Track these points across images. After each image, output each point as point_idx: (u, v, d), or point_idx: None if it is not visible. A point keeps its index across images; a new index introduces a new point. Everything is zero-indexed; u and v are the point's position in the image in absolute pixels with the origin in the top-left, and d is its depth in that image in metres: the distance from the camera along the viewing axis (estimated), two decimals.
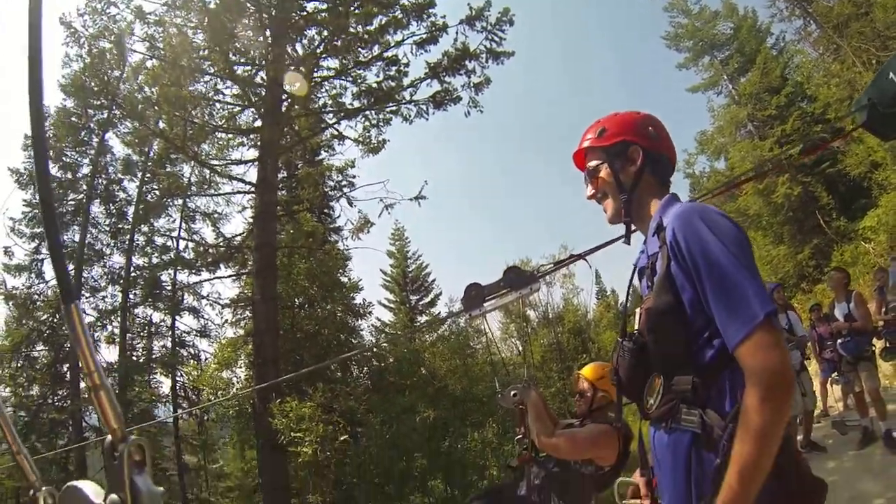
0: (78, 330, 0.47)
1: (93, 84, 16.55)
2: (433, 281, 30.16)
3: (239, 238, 16.91)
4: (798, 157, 16.40)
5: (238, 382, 14.67)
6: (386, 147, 14.90)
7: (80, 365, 0.48)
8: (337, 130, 15.56)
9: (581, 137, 2.01)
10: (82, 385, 18.29)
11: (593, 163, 1.94)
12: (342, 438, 11.86)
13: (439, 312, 28.04)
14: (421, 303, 29.58)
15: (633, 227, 1.91)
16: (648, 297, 1.67)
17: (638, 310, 1.77)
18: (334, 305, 16.38)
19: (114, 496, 0.47)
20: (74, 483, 0.54)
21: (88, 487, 0.53)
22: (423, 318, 27.67)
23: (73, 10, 17.15)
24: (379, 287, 30.28)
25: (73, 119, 20.27)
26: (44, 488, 0.58)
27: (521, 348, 18.76)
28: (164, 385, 19.76)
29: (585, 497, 3.85)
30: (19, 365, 18.62)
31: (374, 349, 14.79)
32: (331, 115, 15.20)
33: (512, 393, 3.22)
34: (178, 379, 19.33)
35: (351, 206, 15.49)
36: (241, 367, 15.11)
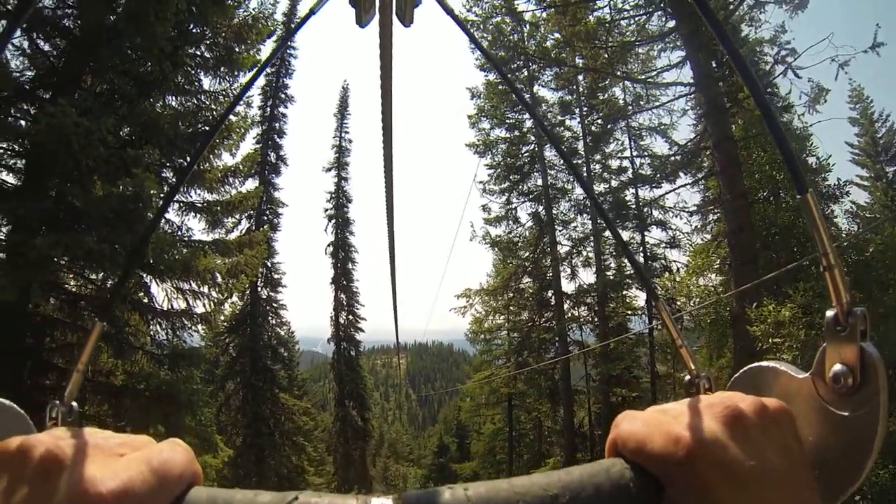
0: (815, 216, 0.52)
1: (501, 53, 18.56)
2: None
3: (692, 143, 16.85)
4: None
5: (713, 288, 14.68)
6: None
7: (817, 241, 0.52)
8: None
9: None
10: (565, 306, 22.24)
11: None
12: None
13: None
14: None
15: None
16: None
17: None
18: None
19: (839, 366, 0.50)
20: (763, 363, 0.59)
21: (784, 366, 0.57)
22: None
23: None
24: (848, 164, 26.40)
25: (500, 87, 23.08)
26: (703, 374, 0.61)
27: None
28: (639, 298, 21.64)
29: None
30: (510, 296, 23.37)
31: (852, 240, 13.12)
32: None
33: None
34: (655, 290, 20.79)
35: (798, 77, 13.81)
36: (714, 273, 15.11)
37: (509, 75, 21.83)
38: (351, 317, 31.31)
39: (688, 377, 0.63)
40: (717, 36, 0.59)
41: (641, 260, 20.61)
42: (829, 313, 0.52)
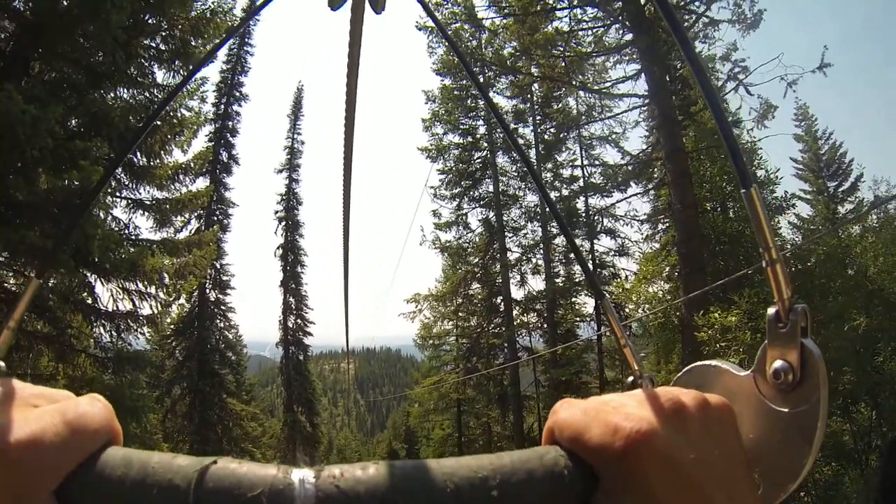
0: (758, 211, 0.53)
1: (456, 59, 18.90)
2: (850, 161, 25.59)
3: (643, 153, 17.30)
4: None
5: (662, 295, 15.08)
6: (765, 18, 13.47)
7: (757, 237, 0.53)
8: (708, 17, 14.49)
9: None
10: (514, 313, 22.50)
11: None
12: None
13: (863, 199, 24.20)
14: (840, 190, 25.55)
15: None
16: None
17: None
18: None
19: (779, 362, 0.51)
20: (707, 362, 0.59)
21: (727, 364, 0.57)
22: (845, 209, 24.28)
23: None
24: (791, 178, 27.16)
25: (455, 93, 23.55)
26: (645, 375, 0.61)
27: None
28: (588, 305, 21.92)
29: None
30: (459, 302, 23.32)
31: (794, 250, 13.70)
32: (697, 3, 14.22)
33: None
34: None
35: (750, 94, 14.43)
36: (663, 280, 15.49)
37: (467, 80, 22.40)
38: (299, 321, 30.76)
39: (630, 378, 0.63)
40: (673, 31, 0.58)
41: (591, 266, 21.00)
42: (771, 310, 0.53)
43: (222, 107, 25.97)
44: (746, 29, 13.81)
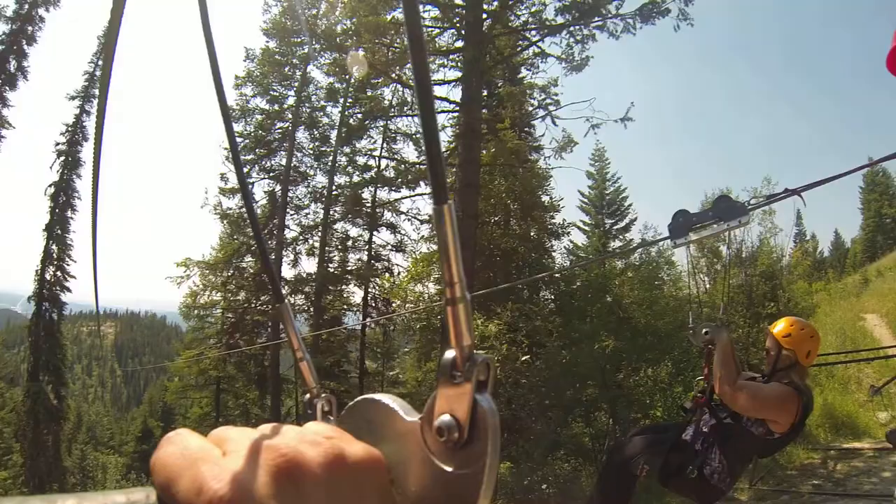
0: (448, 234, 0.42)
1: (292, 24, 17.97)
2: (629, 206, 29.23)
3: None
4: None
5: (428, 296, 15.37)
6: (591, 64, 14.51)
7: (443, 272, 0.42)
8: (539, 48, 15.31)
9: None
10: (283, 292, 21.23)
11: None
12: (523, 359, 12.03)
13: (632, 239, 27.39)
14: (615, 227, 28.94)
15: None
16: None
17: None
18: (532, 224, 16.51)
19: (446, 417, 0.44)
20: (376, 396, 0.50)
21: (395, 403, 0.49)
22: (615, 244, 27.28)
23: None
24: (575, 209, 30.04)
25: (276, 57, 22.41)
26: (323, 395, 0.57)
27: (708, 286, 17.86)
28: (356, 295, 21.82)
29: (747, 457, 3.65)
30: (230, 274, 21.90)
31: (565, 272, 14.76)
32: (533, 33, 14.91)
33: (704, 331, 3.16)
34: (370, 290, 21.22)
35: (556, 125, 15.39)
36: (432, 282, 15.80)
37: (288, 48, 21.43)
38: (59, 273, 26.72)
39: (307, 395, 0.57)
40: None
41: (365, 258, 21.27)
42: (448, 354, 0.44)
43: (25, 5, 21.65)
44: (572, 69, 14.67)
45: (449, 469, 0.43)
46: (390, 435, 0.47)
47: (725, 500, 5.86)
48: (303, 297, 22.11)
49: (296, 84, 22.65)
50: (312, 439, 0.41)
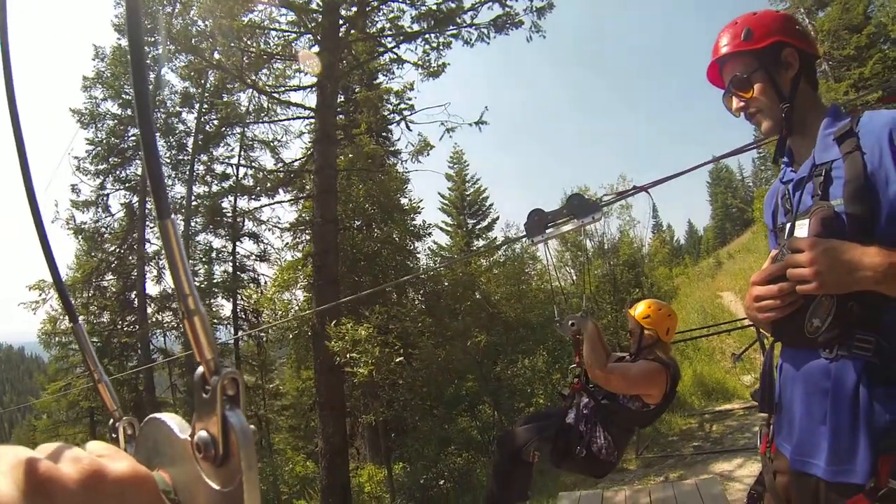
0: (174, 248, 0.44)
1: (146, 21, 16.91)
2: (490, 206, 30.03)
3: (298, 163, 17.37)
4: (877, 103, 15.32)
5: (297, 305, 15.14)
6: (447, 71, 14.67)
7: (174, 287, 0.43)
8: (395, 54, 15.40)
9: (716, 45, 1.74)
10: (149, 310, 20.12)
11: (742, 70, 1.67)
12: (397, 360, 12.07)
13: (495, 238, 27.87)
14: (478, 227, 29.61)
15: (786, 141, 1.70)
16: (820, 206, 1.46)
17: (803, 221, 1.51)
18: (393, 227, 16.59)
19: (203, 433, 0.43)
20: (158, 416, 0.49)
21: (173, 421, 0.48)
22: (479, 243, 27.82)
23: None
24: (437, 210, 30.47)
25: (128, 57, 20.51)
26: (124, 418, 0.56)
27: (574, 278, 18.72)
28: (226, 308, 20.87)
29: (629, 430, 3.99)
30: (91, 294, 20.25)
31: (431, 273, 14.96)
32: (389, 39, 15.03)
33: (570, 322, 3.29)
34: (238, 302, 20.44)
35: (409, 129, 15.57)
36: (300, 290, 15.56)
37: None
38: None
39: (111, 420, 0.55)
40: None
41: (231, 270, 20.72)
42: (199, 370, 0.44)
43: None
44: (428, 76, 14.82)
45: (216, 487, 0.43)
46: (173, 454, 0.47)
47: (616, 471, 6.34)
48: (170, 313, 20.83)
49: (150, 87, 21.14)
50: (75, 456, 0.40)
